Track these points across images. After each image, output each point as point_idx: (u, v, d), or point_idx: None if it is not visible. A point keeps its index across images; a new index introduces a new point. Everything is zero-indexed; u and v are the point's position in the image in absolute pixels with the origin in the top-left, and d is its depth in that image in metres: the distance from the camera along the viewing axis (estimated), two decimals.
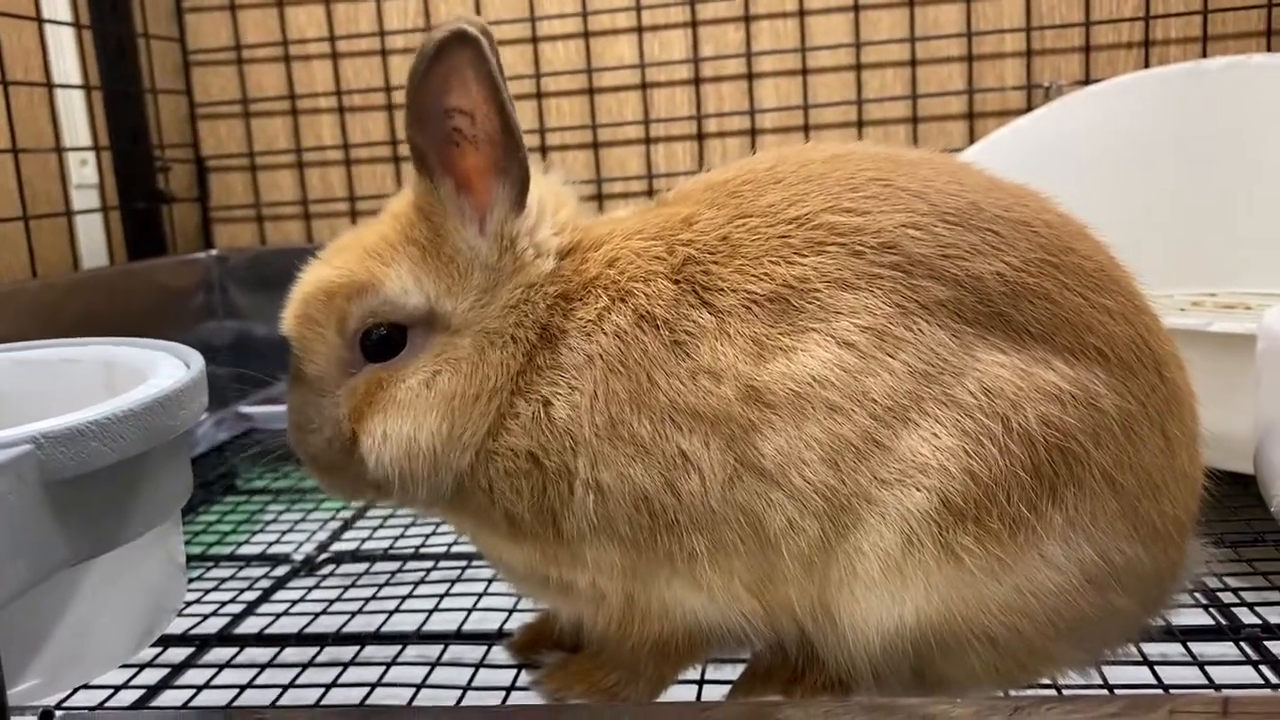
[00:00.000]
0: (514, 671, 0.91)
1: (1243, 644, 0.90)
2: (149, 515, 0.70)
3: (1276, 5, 1.80)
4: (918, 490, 0.69)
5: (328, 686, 0.92)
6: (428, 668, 0.95)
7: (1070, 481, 0.70)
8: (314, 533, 1.38)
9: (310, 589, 1.18)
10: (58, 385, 0.84)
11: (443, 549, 1.27)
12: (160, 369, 0.76)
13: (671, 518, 0.71)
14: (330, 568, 1.25)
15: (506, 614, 1.05)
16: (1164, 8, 1.84)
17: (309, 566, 1.26)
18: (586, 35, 1.97)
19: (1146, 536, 0.74)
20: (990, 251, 0.72)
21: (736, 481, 0.70)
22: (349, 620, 1.06)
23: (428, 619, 1.05)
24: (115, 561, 0.68)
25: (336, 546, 1.32)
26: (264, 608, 1.14)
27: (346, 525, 1.40)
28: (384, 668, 0.95)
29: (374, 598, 1.13)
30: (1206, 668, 0.86)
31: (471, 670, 0.93)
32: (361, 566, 1.24)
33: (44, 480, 0.60)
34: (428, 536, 1.32)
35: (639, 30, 1.96)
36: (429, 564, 1.22)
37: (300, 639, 1.03)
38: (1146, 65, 1.85)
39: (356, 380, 0.74)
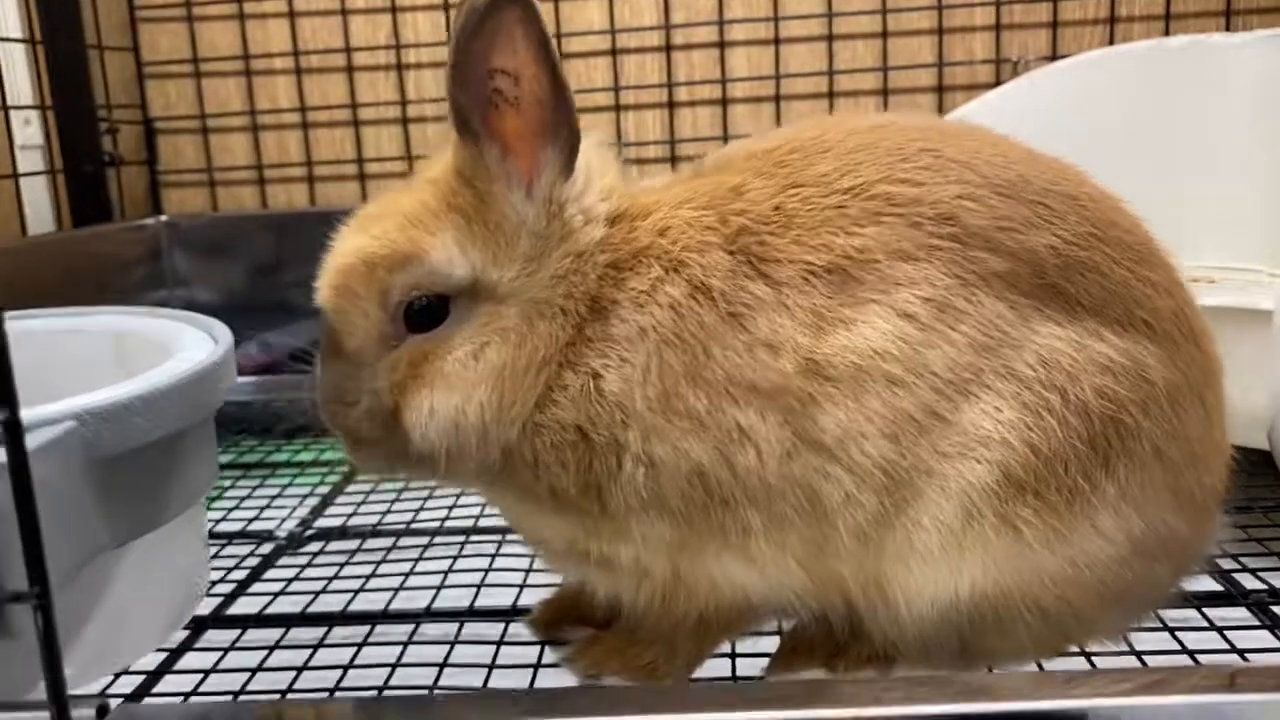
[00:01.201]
0: (538, 648, 0.89)
1: (1253, 608, 0.93)
2: (185, 495, 0.66)
3: None
4: (979, 463, 0.69)
5: (345, 667, 0.89)
6: (447, 646, 0.92)
7: (1122, 453, 0.71)
8: (294, 509, 1.34)
9: (303, 567, 1.14)
10: (58, 356, 0.80)
11: (435, 524, 1.24)
12: (184, 342, 0.72)
13: (727, 493, 0.70)
14: (318, 545, 1.22)
15: (517, 589, 1.03)
16: None
17: (295, 543, 1.22)
18: None
19: (1187, 507, 0.75)
20: (1042, 224, 0.72)
21: (794, 456, 0.69)
22: (352, 599, 1.03)
23: (436, 596, 1.03)
24: (152, 544, 0.64)
25: (320, 523, 1.29)
26: (256, 587, 1.10)
27: (325, 501, 1.36)
28: (400, 647, 0.93)
29: (374, 575, 1.10)
30: (1225, 632, 0.88)
31: (493, 647, 0.91)
32: (352, 544, 1.21)
33: (88, 459, 0.56)
34: (416, 512, 1.29)
35: None
36: (424, 540, 1.20)
37: (305, 619, 0.99)
38: (1111, 42, 1.88)
39: (399, 353, 0.71)
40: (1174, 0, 1.86)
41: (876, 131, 0.78)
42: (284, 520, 1.30)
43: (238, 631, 0.99)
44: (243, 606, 1.05)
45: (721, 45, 1.93)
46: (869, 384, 0.69)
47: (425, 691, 0.83)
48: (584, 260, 0.72)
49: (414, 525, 1.25)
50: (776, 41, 1.92)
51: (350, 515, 1.30)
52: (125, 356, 0.77)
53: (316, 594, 1.05)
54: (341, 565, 1.14)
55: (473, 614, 0.98)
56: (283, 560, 1.18)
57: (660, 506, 0.71)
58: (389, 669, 0.88)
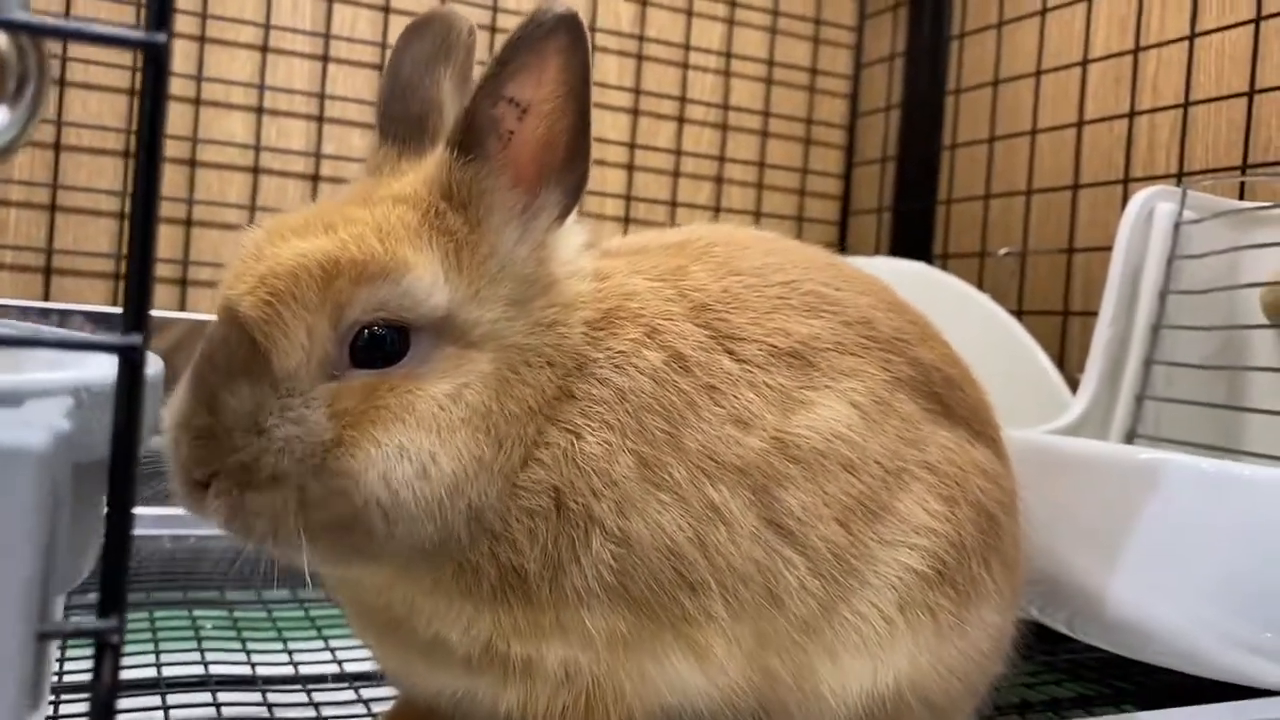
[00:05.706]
0: None
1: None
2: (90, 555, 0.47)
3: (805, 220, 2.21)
4: (912, 550, 0.72)
5: None
6: None
7: (995, 549, 0.78)
8: None
9: None
10: None
11: None
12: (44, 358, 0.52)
13: (696, 575, 0.66)
14: None
15: None
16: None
17: None
18: None
19: (1014, 605, 0.83)
20: (923, 341, 0.80)
21: (758, 537, 0.67)
22: None
23: None
24: None
25: None
26: None
27: None
28: None
29: None
30: None
31: None
32: None
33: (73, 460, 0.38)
34: None
35: None
36: None
37: None
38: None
39: (347, 384, 0.59)
40: (763, 201, 2.18)
41: (771, 241, 0.83)
42: None
43: None
44: None
45: None
46: (827, 467, 0.70)
47: None
48: (568, 312, 0.66)
49: None
50: None
51: None
52: None
53: None
54: None
55: None
56: None
57: (619, 593, 0.65)
58: None
